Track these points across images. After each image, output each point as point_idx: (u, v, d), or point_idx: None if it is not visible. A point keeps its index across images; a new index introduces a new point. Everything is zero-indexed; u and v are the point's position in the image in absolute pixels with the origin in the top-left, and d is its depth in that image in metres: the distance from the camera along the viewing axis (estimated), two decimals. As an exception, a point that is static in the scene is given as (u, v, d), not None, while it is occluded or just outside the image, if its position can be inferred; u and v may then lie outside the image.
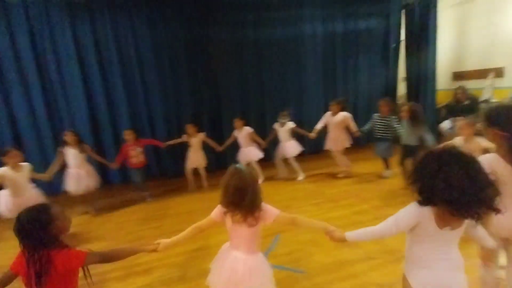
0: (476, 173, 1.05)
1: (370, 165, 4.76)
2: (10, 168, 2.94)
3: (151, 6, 4.81)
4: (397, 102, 6.27)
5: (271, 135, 4.66)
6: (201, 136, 4.44)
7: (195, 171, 4.57)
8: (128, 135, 4.07)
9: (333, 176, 4.61)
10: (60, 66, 4.52)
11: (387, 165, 4.36)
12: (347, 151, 4.62)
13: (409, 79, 6.30)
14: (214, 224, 1.56)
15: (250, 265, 1.49)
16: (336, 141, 4.44)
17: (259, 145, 4.54)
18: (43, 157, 4.49)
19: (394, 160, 4.16)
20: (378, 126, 4.23)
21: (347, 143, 4.46)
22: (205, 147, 4.56)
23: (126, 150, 4.09)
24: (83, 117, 4.70)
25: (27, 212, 1.23)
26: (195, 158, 4.43)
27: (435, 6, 5.78)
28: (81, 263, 1.29)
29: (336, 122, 4.36)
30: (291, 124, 4.52)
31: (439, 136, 5.11)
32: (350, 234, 1.40)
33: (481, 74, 5.58)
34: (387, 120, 4.14)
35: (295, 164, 4.58)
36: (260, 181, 4.34)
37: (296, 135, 4.72)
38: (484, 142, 2.69)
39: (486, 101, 5.11)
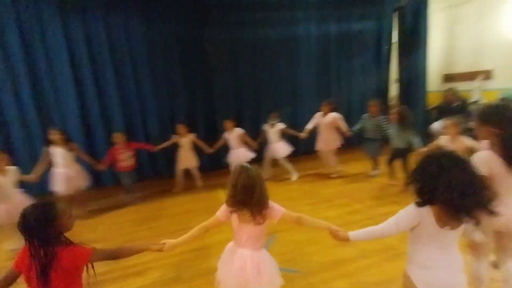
0: (473, 175, 1.11)
1: (362, 165, 4.82)
2: None
3: (145, 4, 4.77)
4: (389, 103, 6.37)
5: (261, 137, 4.69)
6: (192, 136, 4.42)
7: (188, 172, 4.54)
8: (117, 138, 4.00)
9: (327, 176, 4.65)
10: (51, 66, 4.43)
11: (375, 165, 4.48)
12: (338, 152, 4.67)
13: (401, 80, 6.40)
14: (219, 223, 1.58)
15: (257, 261, 1.52)
16: (327, 141, 4.51)
17: (250, 146, 4.54)
18: (32, 159, 4.37)
19: (383, 159, 4.30)
20: (368, 126, 4.35)
21: (338, 143, 4.52)
22: (199, 147, 4.55)
23: (114, 153, 4.01)
24: (75, 118, 4.62)
25: (33, 209, 1.21)
26: (186, 159, 4.41)
27: (426, 9, 5.90)
28: (87, 260, 1.28)
29: (326, 122, 4.43)
30: (281, 125, 4.56)
31: (430, 136, 5.21)
32: (353, 234, 1.43)
33: (471, 76, 5.71)
34: (376, 121, 4.26)
35: (287, 165, 4.61)
36: None
37: (287, 136, 4.76)
38: (468, 141, 2.82)
39: (475, 102, 5.24)
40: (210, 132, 5.19)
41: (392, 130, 3.93)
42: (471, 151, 1.63)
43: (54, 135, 3.52)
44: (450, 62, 6.31)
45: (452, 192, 1.08)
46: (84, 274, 1.32)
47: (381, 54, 6.30)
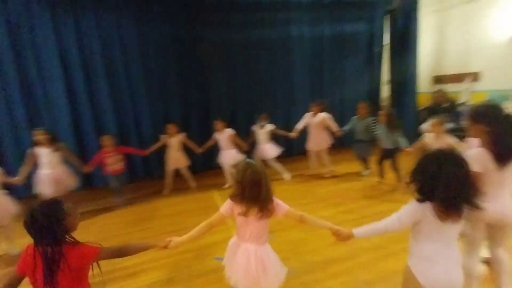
0: (467, 174, 1.19)
1: (354, 165, 4.87)
2: None
3: (138, 4, 4.72)
4: (381, 104, 6.47)
5: (251, 138, 4.69)
6: (181, 136, 4.39)
7: (180, 173, 4.51)
8: (105, 141, 3.92)
9: (321, 176, 4.70)
10: (40, 66, 4.35)
11: (366, 165, 4.58)
12: (331, 152, 4.72)
13: (392, 82, 6.51)
14: (224, 219, 1.60)
15: (261, 255, 1.55)
16: (317, 141, 4.57)
17: (240, 147, 4.54)
18: (22, 161, 4.29)
19: (373, 159, 4.41)
20: (357, 128, 4.45)
21: (328, 143, 4.58)
22: (190, 148, 4.52)
23: (102, 156, 3.94)
24: (66, 120, 4.53)
25: (41, 207, 1.20)
26: (175, 159, 4.38)
27: (416, 13, 6.01)
28: (94, 259, 1.27)
29: (316, 122, 4.48)
30: (270, 126, 4.58)
31: (420, 136, 5.32)
32: (357, 231, 1.47)
33: (459, 78, 5.86)
34: (365, 122, 4.37)
35: (276, 165, 4.63)
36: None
37: (279, 137, 4.78)
38: (450, 140, 3.00)
39: (463, 103, 5.38)
40: (204, 133, 5.17)
41: (380, 131, 4.04)
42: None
43: (39, 135, 3.40)
44: (439, 64, 6.45)
45: (450, 189, 1.16)
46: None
47: (373, 56, 6.39)
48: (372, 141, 4.36)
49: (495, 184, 1.58)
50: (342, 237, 1.52)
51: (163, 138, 4.34)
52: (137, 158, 4.92)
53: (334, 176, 4.63)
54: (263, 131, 4.55)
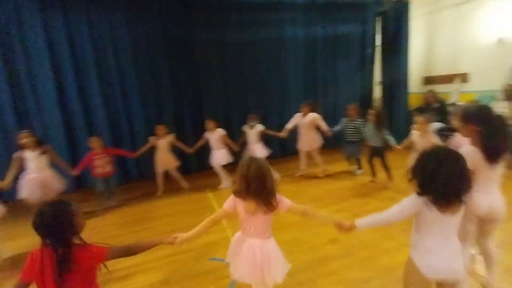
0: (466, 170, 1.25)
1: (346, 165, 4.92)
2: None
3: (130, 3, 4.68)
4: (373, 105, 6.55)
5: (241, 138, 4.67)
6: (170, 137, 4.33)
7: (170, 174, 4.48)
8: (94, 142, 3.81)
9: (314, 176, 4.72)
10: (30, 66, 4.26)
11: (359, 165, 4.64)
12: (323, 151, 4.76)
13: (383, 82, 6.61)
14: (227, 215, 1.61)
15: (266, 249, 1.56)
16: (307, 141, 4.60)
17: (230, 148, 4.53)
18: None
19: (363, 159, 4.50)
20: (347, 129, 4.52)
21: (319, 143, 4.62)
22: (181, 149, 4.49)
23: (90, 159, 3.83)
24: (56, 121, 4.45)
25: (50, 208, 1.19)
26: (164, 160, 4.32)
27: (407, 15, 6.11)
28: (104, 259, 1.26)
29: (306, 122, 4.51)
30: (260, 127, 4.57)
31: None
32: (359, 222, 1.51)
33: (449, 79, 6.00)
34: (355, 124, 4.45)
35: None
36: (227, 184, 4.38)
37: (270, 137, 4.80)
38: (434, 139, 3.11)
39: (453, 104, 5.49)
40: (198, 133, 5.14)
41: (369, 131, 4.13)
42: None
43: (24, 138, 3.27)
44: (429, 65, 6.59)
45: (449, 186, 1.23)
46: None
47: (365, 57, 6.47)
48: (361, 142, 4.45)
49: (486, 181, 1.67)
50: (345, 229, 1.56)
51: (152, 140, 4.28)
52: (130, 159, 4.87)
53: (326, 176, 4.67)
54: (253, 131, 4.54)
